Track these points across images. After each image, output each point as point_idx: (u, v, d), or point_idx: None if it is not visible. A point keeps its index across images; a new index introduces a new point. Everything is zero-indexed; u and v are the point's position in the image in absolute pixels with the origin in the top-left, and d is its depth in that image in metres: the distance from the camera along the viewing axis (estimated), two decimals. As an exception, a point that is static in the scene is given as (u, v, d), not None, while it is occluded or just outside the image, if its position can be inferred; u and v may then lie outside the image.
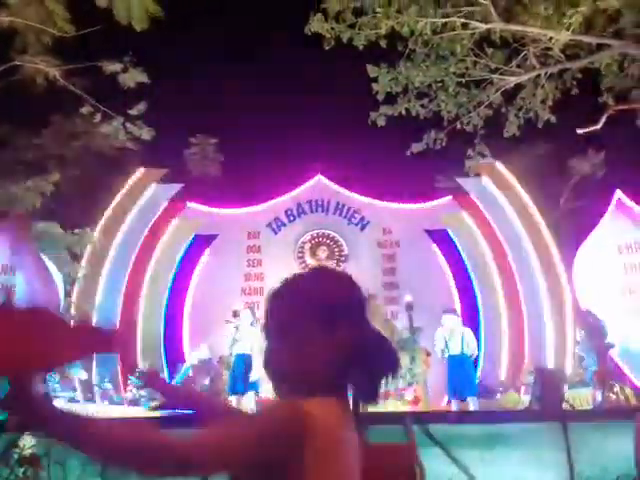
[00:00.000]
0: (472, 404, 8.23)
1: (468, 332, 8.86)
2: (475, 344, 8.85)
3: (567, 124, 7.84)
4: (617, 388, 6.71)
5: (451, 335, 8.65)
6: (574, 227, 10.41)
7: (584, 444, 3.93)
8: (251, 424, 1.04)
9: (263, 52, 13.89)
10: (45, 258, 9.04)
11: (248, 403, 8.41)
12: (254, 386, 8.53)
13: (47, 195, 10.31)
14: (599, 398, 6.72)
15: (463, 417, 5.34)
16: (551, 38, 6.72)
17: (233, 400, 8.47)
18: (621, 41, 6.59)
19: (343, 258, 12.06)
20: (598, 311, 7.61)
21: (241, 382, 8.48)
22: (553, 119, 7.57)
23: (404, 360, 9.38)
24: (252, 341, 8.57)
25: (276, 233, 12.28)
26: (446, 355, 8.70)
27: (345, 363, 1.14)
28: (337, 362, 1.13)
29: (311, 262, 11.85)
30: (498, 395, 9.40)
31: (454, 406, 8.41)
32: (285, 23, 8.87)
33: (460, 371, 8.45)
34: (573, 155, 12.86)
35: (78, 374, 10.08)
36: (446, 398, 9.44)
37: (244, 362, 8.54)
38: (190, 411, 1.47)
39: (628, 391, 6.86)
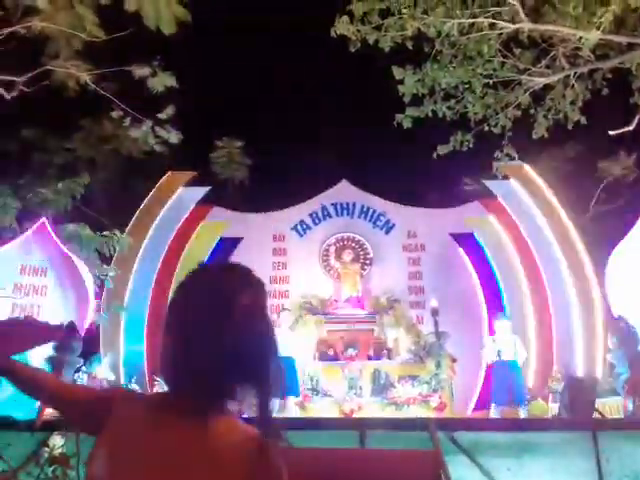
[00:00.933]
0: (523, 413, 8.06)
1: (519, 340, 8.64)
2: (524, 352, 8.62)
3: (598, 125, 7.66)
4: (649, 398, 6.53)
5: (503, 340, 8.44)
6: (605, 231, 10.19)
7: (614, 454, 3.83)
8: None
9: (290, 55, 13.93)
10: (75, 259, 9.20)
11: (289, 405, 8.41)
12: (295, 390, 8.54)
13: (77, 197, 10.50)
14: (630, 407, 6.53)
15: (490, 425, 5.26)
16: (581, 38, 6.57)
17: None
18: (654, 40, 6.42)
19: (368, 261, 12.02)
20: (631, 318, 7.41)
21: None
22: (583, 120, 7.41)
23: (430, 365, 9.30)
24: (289, 343, 8.59)
25: (301, 236, 12.31)
26: (494, 360, 8.45)
27: (167, 363, 1.20)
28: (163, 361, 1.21)
29: (336, 265, 11.85)
30: (526, 402, 9.23)
31: (493, 412, 8.23)
32: (312, 26, 8.87)
33: (512, 378, 8.24)
34: (604, 157, 12.57)
35: (106, 374, 10.24)
36: (472, 405, 9.31)
37: (286, 365, 8.44)
38: None
39: (660, 400, 6.67)
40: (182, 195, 12.11)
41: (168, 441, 1.13)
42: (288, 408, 8.36)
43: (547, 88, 7.44)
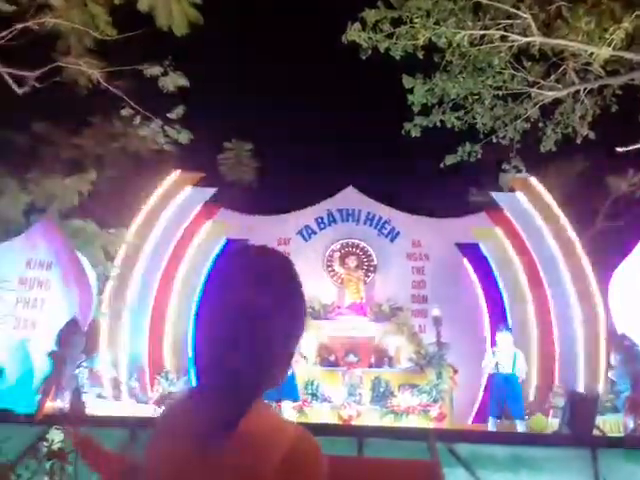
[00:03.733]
0: (520, 427, 7.97)
1: (520, 353, 8.56)
2: (525, 367, 8.52)
3: (606, 141, 7.66)
4: (650, 416, 6.49)
5: (504, 353, 8.36)
6: (610, 247, 10.15)
7: (613, 472, 3.81)
8: None
9: (302, 61, 13.99)
10: (80, 255, 9.23)
11: (285, 409, 8.35)
12: (293, 393, 8.48)
13: (85, 194, 10.54)
14: (631, 425, 6.49)
15: (489, 437, 5.25)
16: (591, 53, 6.57)
17: None
18: (665, 58, 6.43)
19: (372, 268, 12.02)
20: (634, 335, 7.38)
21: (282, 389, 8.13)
22: (592, 135, 7.41)
23: (430, 375, 9.27)
24: None
25: (306, 240, 12.32)
26: (492, 372, 8.37)
27: (207, 358, 1.13)
28: (202, 354, 1.14)
29: (340, 271, 11.85)
30: (526, 417, 9.19)
31: (491, 425, 8.15)
32: (323, 32, 8.92)
33: (509, 391, 8.17)
34: (611, 173, 12.56)
35: (107, 371, 10.26)
36: (472, 417, 9.26)
37: None
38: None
39: (661, 419, 6.64)
40: (189, 195, 12.14)
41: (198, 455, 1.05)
42: (286, 413, 8.33)
43: (557, 102, 7.44)
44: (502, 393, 8.16)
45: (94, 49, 8.75)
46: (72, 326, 7.97)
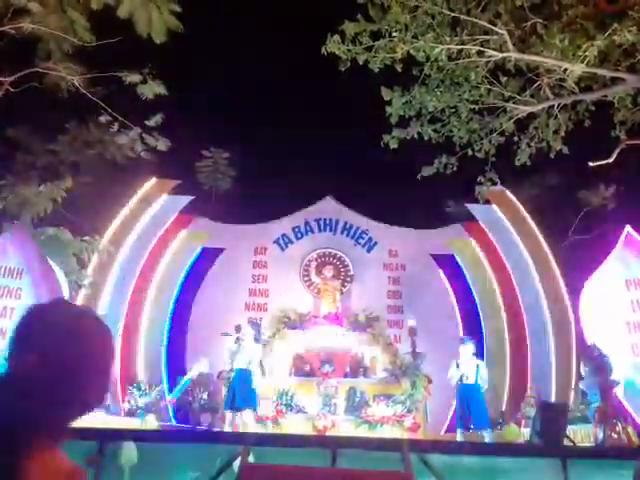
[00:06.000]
0: (487, 436, 8.02)
1: (482, 364, 8.66)
2: (487, 377, 8.64)
3: (579, 156, 7.82)
4: (619, 427, 6.58)
5: (467, 364, 8.44)
6: (582, 259, 10.34)
7: (583, 482, 3.85)
8: None
9: (280, 70, 14.04)
10: (52, 263, 9.06)
11: (247, 419, 8.26)
12: (252, 403, 8.38)
13: (58, 201, 10.37)
14: (600, 435, 6.59)
15: (462, 448, 5.27)
16: (565, 69, 6.73)
17: (229, 416, 8.29)
18: (635, 75, 6.58)
19: (349, 278, 12.04)
20: (604, 347, 7.50)
21: (239, 398, 8.22)
22: (565, 150, 7.56)
23: (405, 385, 9.29)
24: (252, 356, 8.42)
25: (283, 250, 12.31)
26: (457, 383, 8.45)
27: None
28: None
29: (317, 280, 11.85)
30: (498, 427, 9.25)
31: (459, 436, 8.20)
32: (303, 43, 8.97)
33: (472, 402, 8.23)
34: (584, 187, 12.83)
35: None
36: (445, 427, 9.28)
37: (243, 377, 8.31)
38: None
39: (630, 430, 6.73)
40: (165, 203, 12.05)
41: None
42: (247, 422, 8.21)
43: (531, 117, 7.58)
44: (466, 404, 8.23)
45: (73, 55, 8.67)
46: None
